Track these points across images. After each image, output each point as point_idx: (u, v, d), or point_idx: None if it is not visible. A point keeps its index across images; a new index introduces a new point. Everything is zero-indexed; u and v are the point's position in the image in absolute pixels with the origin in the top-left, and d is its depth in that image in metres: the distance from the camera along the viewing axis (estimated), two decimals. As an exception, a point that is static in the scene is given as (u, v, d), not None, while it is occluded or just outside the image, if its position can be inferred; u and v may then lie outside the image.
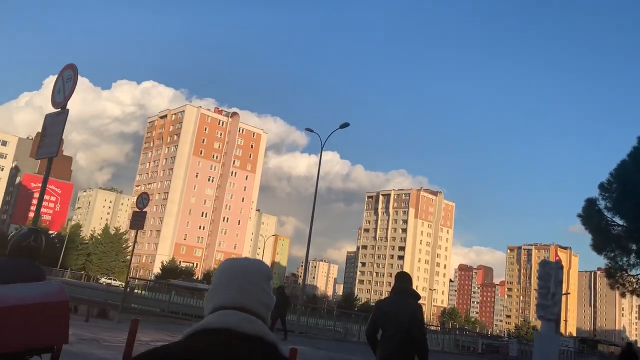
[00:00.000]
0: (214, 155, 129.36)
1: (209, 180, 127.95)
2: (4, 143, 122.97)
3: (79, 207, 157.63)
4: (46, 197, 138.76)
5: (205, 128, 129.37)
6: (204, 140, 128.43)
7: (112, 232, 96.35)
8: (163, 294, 29.00)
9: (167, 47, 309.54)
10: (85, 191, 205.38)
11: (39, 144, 6.84)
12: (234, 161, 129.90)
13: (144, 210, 17.55)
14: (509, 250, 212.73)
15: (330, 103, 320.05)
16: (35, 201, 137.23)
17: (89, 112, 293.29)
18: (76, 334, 10.64)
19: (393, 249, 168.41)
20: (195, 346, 1.25)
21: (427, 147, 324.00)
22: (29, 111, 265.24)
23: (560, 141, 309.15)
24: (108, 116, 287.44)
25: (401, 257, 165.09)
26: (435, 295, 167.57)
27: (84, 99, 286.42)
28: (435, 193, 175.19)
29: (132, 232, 17.71)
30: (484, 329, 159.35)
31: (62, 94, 6.96)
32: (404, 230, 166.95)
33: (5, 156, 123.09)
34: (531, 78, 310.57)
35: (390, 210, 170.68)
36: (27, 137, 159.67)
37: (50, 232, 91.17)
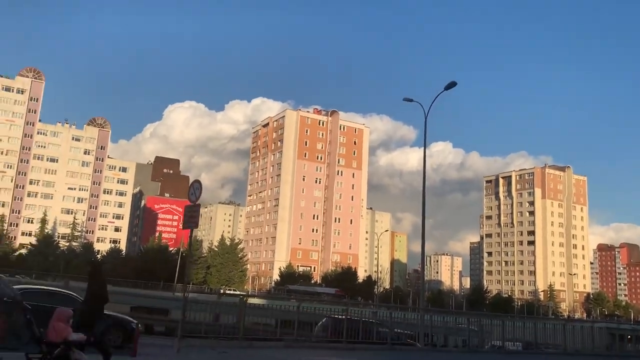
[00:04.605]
0: (318, 156, 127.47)
1: (316, 182, 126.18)
2: (124, 169, 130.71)
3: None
4: (169, 216, 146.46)
5: (307, 130, 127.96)
6: (306, 142, 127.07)
7: (228, 243, 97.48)
8: (282, 303, 24.63)
9: (271, 62, 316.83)
10: (206, 207, 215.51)
11: None
12: (339, 160, 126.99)
13: (196, 203, 13.74)
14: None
15: (435, 91, 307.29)
16: (160, 222, 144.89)
17: (207, 135, 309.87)
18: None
19: (521, 235, 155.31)
20: None
21: (547, 123, 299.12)
22: (154, 141, 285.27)
23: None
24: (225, 136, 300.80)
25: (531, 243, 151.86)
26: (575, 280, 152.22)
27: (201, 124, 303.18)
28: (562, 169, 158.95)
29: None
30: (639, 313, 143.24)
31: None
32: (532, 213, 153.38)
33: (127, 182, 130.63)
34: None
35: (514, 193, 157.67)
36: (147, 163, 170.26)
37: (170, 248, 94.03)
